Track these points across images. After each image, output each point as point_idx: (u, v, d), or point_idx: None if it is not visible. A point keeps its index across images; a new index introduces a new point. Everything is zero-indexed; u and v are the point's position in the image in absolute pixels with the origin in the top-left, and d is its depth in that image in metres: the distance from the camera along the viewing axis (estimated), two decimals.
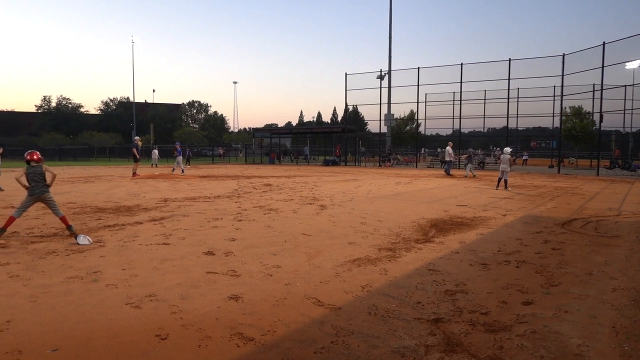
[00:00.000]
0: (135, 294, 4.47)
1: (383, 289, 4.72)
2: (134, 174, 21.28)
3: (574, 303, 4.32)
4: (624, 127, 38.74)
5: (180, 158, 26.04)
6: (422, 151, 46.58)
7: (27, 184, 6.95)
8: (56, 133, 71.47)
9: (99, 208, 10.54)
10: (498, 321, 3.86)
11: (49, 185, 7.08)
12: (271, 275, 5.18)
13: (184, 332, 3.60)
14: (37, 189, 6.95)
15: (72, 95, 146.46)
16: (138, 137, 23.92)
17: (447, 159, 25.39)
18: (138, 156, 21.71)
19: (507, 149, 16.93)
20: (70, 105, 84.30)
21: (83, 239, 6.71)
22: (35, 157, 7.04)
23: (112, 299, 4.36)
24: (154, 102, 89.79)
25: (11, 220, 6.94)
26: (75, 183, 18.05)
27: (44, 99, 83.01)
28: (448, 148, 25.57)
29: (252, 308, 4.15)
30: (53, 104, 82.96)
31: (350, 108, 48.98)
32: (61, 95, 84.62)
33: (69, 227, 7.00)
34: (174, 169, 25.59)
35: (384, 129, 40.99)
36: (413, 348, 3.33)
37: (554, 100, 37.15)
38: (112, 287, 4.69)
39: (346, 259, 5.92)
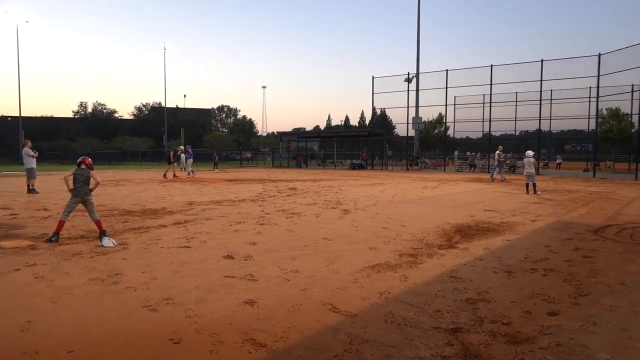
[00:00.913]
0: (153, 297, 4.50)
1: (401, 296, 4.60)
2: (165, 176, 22.38)
3: (603, 314, 4.10)
4: None
5: (190, 161, 26.24)
6: (455, 154, 45.77)
7: (71, 186, 7.23)
8: (92, 138, 73.83)
9: (127, 211, 10.75)
10: (520, 332, 3.69)
11: (91, 190, 7.36)
12: (289, 280, 5.13)
13: (197, 337, 3.59)
14: (82, 190, 7.25)
15: (107, 101, 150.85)
16: (182, 147, 26.02)
17: (496, 163, 23.57)
18: (172, 160, 22.82)
19: (530, 152, 16.42)
20: (105, 111, 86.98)
21: (107, 241, 6.84)
22: (87, 161, 7.55)
23: (130, 301, 4.40)
24: (185, 107, 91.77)
25: (61, 224, 7.25)
26: (106, 186, 18.50)
27: (81, 104, 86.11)
28: (498, 152, 23.57)
29: (266, 313, 4.11)
30: (89, 110, 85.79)
31: (378, 111, 48.65)
32: (97, 101, 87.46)
33: (102, 233, 7.11)
34: (190, 172, 25.51)
35: (412, 132, 40.56)
36: (429, 359, 3.21)
37: (589, 101, 36.05)
38: (131, 290, 4.74)
39: (366, 265, 5.82)
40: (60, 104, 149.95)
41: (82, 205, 7.41)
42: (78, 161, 7.53)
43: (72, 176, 7.29)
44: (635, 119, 28.14)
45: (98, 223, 7.25)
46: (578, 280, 5.21)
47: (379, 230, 8.27)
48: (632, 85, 28.68)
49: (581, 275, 5.40)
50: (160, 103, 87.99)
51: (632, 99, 30.53)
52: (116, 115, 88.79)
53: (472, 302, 4.45)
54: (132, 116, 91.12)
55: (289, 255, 6.35)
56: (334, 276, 5.33)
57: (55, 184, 18.84)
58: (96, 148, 66.06)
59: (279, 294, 4.65)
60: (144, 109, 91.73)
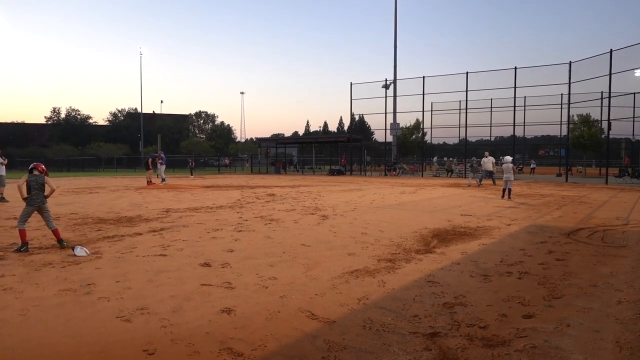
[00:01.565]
0: (127, 307, 4.39)
1: (380, 302, 4.60)
2: (149, 182, 22.02)
3: (576, 316, 4.18)
4: (633, 134, 38.31)
5: (163, 167, 25.66)
6: (434, 160, 46.21)
7: (25, 194, 6.99)
8: (65, 144, 72.15)
9: (100, 219, 10.52)
10: (497, 335, 3.73)
11: (46, 197, 7.13)
12: (266, 288, 5.08)
13: (172, 347, 3.51)
14: (37, 197, 7.00)
15: (81, 106, 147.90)
16: (161, 153, 25.46)
17: (490, 168, 23.10)
18: (150, 166, 22.64)
19: (508, 158, 16.73)
20: (79, 117, 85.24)
21: (80, 251, 6.66)
22: (40, 168, 7.22)
23: (102, 312, 4.28)
24: (162, 112, 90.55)
25: (23, 232, 7.01)
26: (80, 194, 18.11)
27: (54, 110, 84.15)
28: (491, 158, 23.45)
29: (244, 322, 4.05)
30: (62, 116, 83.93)
31: (357, 117, 49.02)
32: (70, 107, 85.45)
33: (59, 242, 7.01)
34: (164, 179, 24.85)
35: (390, 138, 40.89)
36: None
37: (561, 108, 36.93)
38: (104, 300, 4.62)
39: (344, 271, 5.81)
40: (31, 110, 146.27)
41: (38, 214, 7.18)
42: (30, 167, 7.20)
43: (25, 184, 7.02)
44: (605, 124, 28.93)
45: (55, 232, 7.11)
46: (552, 282, 5.30)
47: (358, 236, 8.28)
48: (602, 92, 29.50)
49: (555, 278, 5.50)
50: (136, 109, 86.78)
51: (601, 106, 31.36)
52: (90, 121, 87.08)
53: (449, 306, 4.48)
54: (107, 122, 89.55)
55: (267, 262, 6.29)
56: (312, 283, 5.30)
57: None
58: (70, 155, 64.59)
59: (256, 302, 4.60)
60: (119, 114, 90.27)
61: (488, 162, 23.08)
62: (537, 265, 6.18)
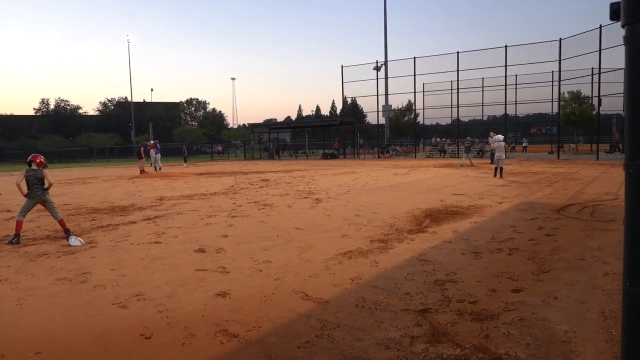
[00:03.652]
0: (123, 294, 4.45)
1: (372, 281, 4.69)
2: (142, 171, 21.87)
3: (564, 289, 4.28)
4: (624, 110, 38.49)
5: (159, 156, 25.51)
6: (433, 141, 46.24)
7: (26, 191, 6.92)
8: (55, 135, 71.46)
9: (94, 209, 10.52)
10: (486, 310, 3.82)
11: (46, 189, 7.09)
12: (261, 271, 5.15)
13: (168, 331, 3.58)
14: (37, 191, 6.96)
15: (70, 97, 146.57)
16: (153, 142, 25.10)
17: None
18: (143, 155, 22.30)
19: (500, 136, 16.78)
20: (68, 107, 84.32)
21: (75, 240, 6.68)
22: (38, 160, 7.11)
23: (99, 299, 4.33)
24: (153, 101, 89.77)
25: (19, 224, 6.97)
26: (72, 184, 18.05)
27: (42, 101, 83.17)
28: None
29: (239, 304, 4.12)
30: (52, 107, 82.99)
31: (349, 100, 48.87)
32: (59, 98, 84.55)
33: (66, 232, 6.95)
34: (159, 168, 24.76)
35: (382, 121, 40.90)
36: (398, 339, 3.30)
37: (552, 85, 37.05)
38: (100, 288, 4.66)
39: (337, 252, 5.89)
40: (20, 102, 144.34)
41: (42, 206, 7.17)
42: (28, 160, 7.09)
43: (24, 179, 6.93)
44: (595, 101, 29.08)
45: (61, 222, 7.06)
46: (541, 257, 5.41)
47: (351, 218, 8.35)
48: (592, 68, 29.60)
49: (544, 253, 5.60)
50: (126, 98, 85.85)
51: (592, 82, 31.51)
52: (80, 111, 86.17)
53: (440, 283, 4.57)
54: (98, 112, 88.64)
55: (261, 246, 6.35)
56: (305, 265, 5.37)
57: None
58: (61, 146, 64.04)
59: (251, 285, 4.66)
60: (109, 104, 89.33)
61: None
62: (527, 241, 6.28)
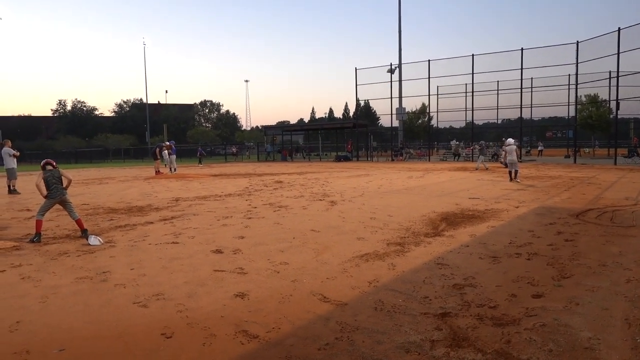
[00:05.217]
0: (143, 294, 4.50)
1: (390, 284, 4.67)
2: (157, 172, 22.08)
3: (585, 295, 4.22)
4: None
5: (174, 157, 25.70)
6: (452, 143, 45.79)
7: (45, 191, 7.08)
8: (72, 136, 72.56)
9: (112, 209, 10.66)
10: (507, 315, 3.79)
11: (65, 189, 7.24)
12: (278, 272, 5.17)
13: (189, 331, 3.61)
14: (57, 191, 7.11)
15: (86, 98, 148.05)
16: (168, 143, 25.17)
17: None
18: (159, 156, 22.63)
19: (511, 140, 16.65)
20: (85, 108, 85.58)
21: (94, 240, 6.78)
22: (50, 164, 7.29)
23: (119, 298, 4.39)
24: (167, 102, 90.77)
25: (39, 223, 7.12)
26: (89, 185, 18.30)
27: (60, 102, 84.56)
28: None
29: (257, 305, 4.14)
30: (68, 108, 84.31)
31: (362, 103, 48.75)
32: (76, 99, 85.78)
33: (83, 232, 7.07)
34: (174, 169, 24.81)
35: (396, 123, 40.77)
36: (418, 343, 3.28)
37: (568, 89, 36.60)
38: (120, 287, 4.72)
39: (354, 255, 5.88)
40: (38, 103, 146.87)
41: (60, 206, 7.30)
42: (42, 164, 7.27)
43: (42, 180, 7.10)
44: (613, 104, 28.64)
45: (79, 222, 7.18)
46: (561, 263, 5.34)
47: (366, 221, 8.34)
48: (609, 72, 29.13)
49: (564, 258, 5.53)
50: (141, 99, 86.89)
51: (609, 85, 31.03)
52: (97, 112, 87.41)
53: (459, 287, 4.54)
54: (113, 113, 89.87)
55: (278, 247, 6.37)
56: (323, 267, 5.37)
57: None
58: (77, 146, 65.01)
59: (269, 286, 4.68)
60: (125, 105, 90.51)
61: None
62: (546, 246, 6.21)
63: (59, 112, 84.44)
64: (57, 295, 4.52)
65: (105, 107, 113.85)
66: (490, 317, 3.75)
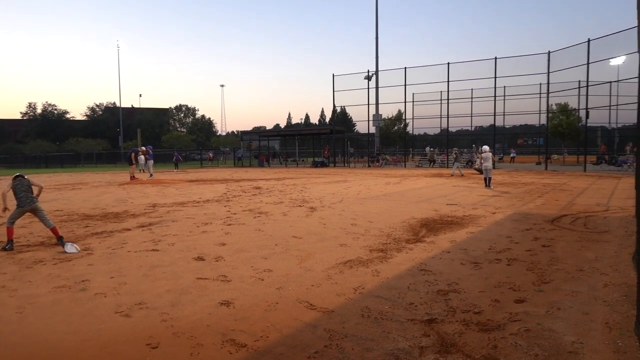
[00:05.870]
0: (125, 303, 4.40)
1: (375, 291, 4.69)
2: (132, 177, 21.67)
3: (566, 300, 4.33)
4: (609, 123, 39.31)
5: (151, 162, 25.33)
6: (427, 150, 46.26)
7: (4, 204, 6.86)
8: (42, 140, 70.49)
9: (87, 215, 10.40)
10: (491, 320, 3.85)
11: (36, 197, 7.02)
12: (262, 280, 5.13)
13: (175, 340, 3.54)
14: (26, 199, 6.88)
15: (57, 101, 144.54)
16: (144, 148, 24.51)
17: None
18: (134, 161, 22.21)
19: (486, 147, 17.13)
20: (56, 112, 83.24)
21: (70, 247, 6.60)
22: (20, 175, 7.13)
23: (101, 308, 4.28)
24: (141, 106, 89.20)
25: (10, 230, 6.91)
26: (62, 190, 17.82)
27: (29, 105, 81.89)
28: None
29: (243, 313, 4.10)
30: (39, 111, 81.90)
31: (338, 109, 49.01)
32: (47, 102, 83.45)
33: (59, 239, 6.87)
34: (151, 174, 24.58)
35: (373, 130, 41.10)
36: (407, 350, 3.30)
37: (540, 97, 37.56)
38: (100, 296, 4.61)
39: (337, 261, 5.89)
40: (6, 106, 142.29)
41: (32, 214, 7.09)
42: (14, 176, 7.13)
43: (10, 190, 6.89)
44: (582, 113, 29.55)
45: (54, 230, 6.98)
46: (540, 268, 5.47)
47: (347, 227, 8.36)
48: (579, 81, 30.05)
49: (542, 264, 5.66)
50: (114, 103, 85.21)
51: (579, 95, 31.91)
52: (68, 116, 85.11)
53: (443, 293, 4.60)
54: (85, 117, 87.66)
55: (260, 254, 6.33)
56: (307, 274, 5.36)
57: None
58: (47, 151, 63.18)
59: (254, 294, 4.64)
60: (97, 109, 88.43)
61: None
62: (524, 251, 6.35)
63: (29, 115, 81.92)
64: (35, 305, 4.37)
65: (77, 111, 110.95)
66: (476, 322, 3.81)
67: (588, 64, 25.58)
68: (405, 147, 42.24)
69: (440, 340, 3.47)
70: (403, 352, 3.27)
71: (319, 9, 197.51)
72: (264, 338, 3.57)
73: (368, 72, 38.75)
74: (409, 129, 42.33)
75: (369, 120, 39.21)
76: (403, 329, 3.70)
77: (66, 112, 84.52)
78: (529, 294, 4.54)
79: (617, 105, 34.12)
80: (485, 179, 16.45)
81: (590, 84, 26.52)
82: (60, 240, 6.84)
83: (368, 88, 38.37)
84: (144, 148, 24.37)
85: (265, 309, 4.23)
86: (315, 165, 40.42)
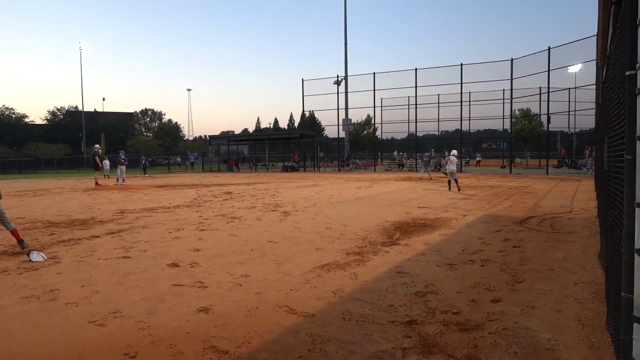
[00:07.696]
0: (98, 312, 4.25)
1: (355, 294, 4.71)
2: (97, 183, 20.97)
3: (539, 298, 4.46)
4: (568, 127, 40.87)
5: (124, 167, 24.64)
6: (395, 154, 46.77)
7: None
8: None
9: (51, 222, 10.02)
10: (470, 320, 3.92)
11: None
12: (240, 285, 5.06)
13: (154, 349, 3.45)
14: None
15: (15, 104, 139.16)
16: (98, 146, 23.36)
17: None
18: (100, 164, 21.44)
19: (455, 152, 17.71)
20: (14, 115, 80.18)
21: (36, 256, 6.33)
22: None
23: (73, 318, 4.12)
24: (105, 110, 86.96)
25: None
26: (23, 197, 17.13)
27: None
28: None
29: (223, 320, 4.03)
30: None
31: (307, 114, 49.11)
32: (3, 105, 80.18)
33: (20, 242, 6.63)
34: (124, 180, 24.03)
35: (342, 134, 41.37)
36: (390, 352, 3.32)
37: (503, 103, 38.69)
38: (72, 306, 4.44)
39: (315, 265, 5.88)
40: None
41: None
42: None
43: None
44: (544, 118, 30.62)
45: (14, 232, 6.71)
46: (512, 268, 5.61)
47: (322, 231, 8.37)
48: (540, 87, 31.17)
49: (514, 264, 5.81)
50: (76, 107, 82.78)
51: (540, 100, 33.13)
52: (27, 120, 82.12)
53: (421, 294, 4.65)
54: (46, 121, 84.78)
55: (236, 260, 6.25)
56: (285, 278, 5.32)
57: None
58: (4, 156, 60.70)
59: (232, 300, 4.57)
60: (58, 113, 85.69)
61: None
62: (496, 252, 6.50)
63: None
64: (2, 317, 4.17)
65: (37, 115, 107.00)
66: (455, 322, 3.86)
67: (549, 70, 26.58)
68: (374, 152, 42.69)
69: (422, 341, 3.50)
70: (386, 354, 3.29)
71: (288, 13, 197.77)
72: (246, 344, 3.52)
73: (337, 77, 39.08)
74: (378, 133, 42.86)
75: (338, 125, 39.51)
76: (385, 331, 3.72)
77: (25, 116, 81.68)
78: (504, 293, 4.65)
79: (574, 110, 35.54)
80: (449, 181, 16.85)
81: (551, 90, 27.54)
82: (22, 244, 6.58)
83: (337, 93, 38.67)
84: (97, 145, 23.24)
85: (245, 314, 4.17)
86: (286, 169, 40.36)
